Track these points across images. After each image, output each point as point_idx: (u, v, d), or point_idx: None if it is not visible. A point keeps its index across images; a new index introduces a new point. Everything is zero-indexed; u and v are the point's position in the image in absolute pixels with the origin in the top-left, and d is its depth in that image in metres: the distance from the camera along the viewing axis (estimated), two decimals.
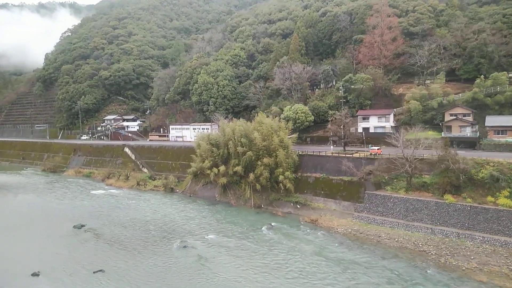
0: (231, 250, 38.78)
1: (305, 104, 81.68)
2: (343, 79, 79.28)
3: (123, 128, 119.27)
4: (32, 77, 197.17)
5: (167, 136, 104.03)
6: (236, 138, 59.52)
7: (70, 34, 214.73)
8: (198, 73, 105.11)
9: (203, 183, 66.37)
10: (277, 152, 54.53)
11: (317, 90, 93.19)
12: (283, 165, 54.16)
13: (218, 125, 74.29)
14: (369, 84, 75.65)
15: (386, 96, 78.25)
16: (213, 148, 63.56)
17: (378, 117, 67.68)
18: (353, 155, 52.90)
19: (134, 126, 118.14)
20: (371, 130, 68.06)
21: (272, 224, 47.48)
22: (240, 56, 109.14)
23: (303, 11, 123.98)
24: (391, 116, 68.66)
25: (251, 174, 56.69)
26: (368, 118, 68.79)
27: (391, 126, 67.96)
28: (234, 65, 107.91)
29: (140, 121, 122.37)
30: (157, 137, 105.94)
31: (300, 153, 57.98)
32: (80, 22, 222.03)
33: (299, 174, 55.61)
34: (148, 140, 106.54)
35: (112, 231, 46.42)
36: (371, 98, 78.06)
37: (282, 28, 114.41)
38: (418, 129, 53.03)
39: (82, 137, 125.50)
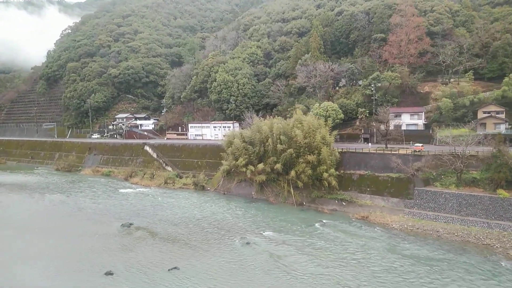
0: (298, 247, 38.66)
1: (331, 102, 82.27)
2: (370, 77, 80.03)
3: (136, 126, 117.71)
4: (31, 75, 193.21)
5: (186, 134, 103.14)
6: (275, 136, 59.38)
7: (70, 31, 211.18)
8: (216, 71, 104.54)
9: (237, 180, 66.05)
10: (321, 150, 54.70)
11: (337, 87, 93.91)
12: (327, 163, 54.31)
13: (249, 124, 73.88)
14: (398, 82, 76.57)
15: (412, 94, 79.33)
16: (248, 146, 63.30)
17: (411, 115, 68.56)
18: (399, 152, 53.46)
19: (148, 124, 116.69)
20: (403, 128, 68.83)
21: (324, 221, 47.59)
22: (257, 55, 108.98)
23: (316, 10, 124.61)
24: (423, 114, 69.64)
25: (291, 171, 56.71)
26: (400, 116, 69.59)
27: (423, 124, 68.97)
28: (251, 63, 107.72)
29: (154, 119, 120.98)
30: (175, 136, 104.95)
31: (341, 150, 58.18)
32: (80, 19, 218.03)
33: (342, 171, 55.85)
34: (165, 138, 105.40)
35: (165, 229, 45.81)
36: (397, 96, 79.09)
37: (298, 26, 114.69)
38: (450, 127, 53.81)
39: (93, 136, 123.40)
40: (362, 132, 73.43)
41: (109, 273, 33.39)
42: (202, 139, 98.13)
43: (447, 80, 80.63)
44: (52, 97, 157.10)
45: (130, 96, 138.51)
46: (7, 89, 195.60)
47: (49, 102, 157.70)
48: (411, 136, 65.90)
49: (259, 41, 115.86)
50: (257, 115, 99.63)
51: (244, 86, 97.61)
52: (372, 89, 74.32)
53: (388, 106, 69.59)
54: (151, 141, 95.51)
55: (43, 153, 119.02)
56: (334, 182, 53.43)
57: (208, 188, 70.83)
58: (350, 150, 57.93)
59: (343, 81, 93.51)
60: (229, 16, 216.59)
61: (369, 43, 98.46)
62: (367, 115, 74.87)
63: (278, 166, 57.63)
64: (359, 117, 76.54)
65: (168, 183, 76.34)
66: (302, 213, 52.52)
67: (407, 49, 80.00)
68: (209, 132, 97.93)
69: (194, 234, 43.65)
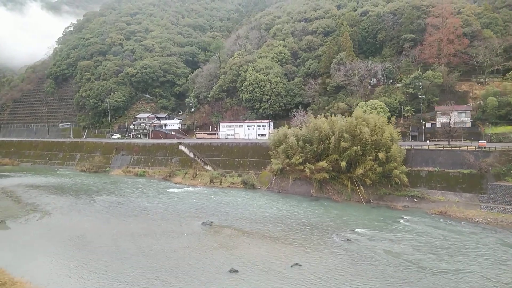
0: (407, 243, 38.88)
1: (367, 100, 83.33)
2: (411, 76, 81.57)
3: (160, 126, 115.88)
4: (29, 74, 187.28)
5: (217, 134, 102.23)
6: (338, 134, 59.68)
7: (72, 29, 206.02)
8: (245, 70, 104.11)
9: (292, 179, 66.03)
10: (389, 147, 55.42)
11: (369, 86, 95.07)
12: (397, 160, 55.08)
13: (302, 122, 73.96)
14: (440, 81, 78.29)
15: (452, 93, 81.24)
16: (305, 144, 63.40)
17: (458, 113, 70.18)
18: (468, 148, 54.77)
19: (173, 124, 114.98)
20: (451, 125, 70.30)
21: (405, 217, 48.22)
22: (284, 54, 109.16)
23: (338, 10, 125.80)
24: (470, 112, 71.47)
25: (358, 168, 57.21)
26: (447, 114, 71.03)
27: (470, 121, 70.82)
28: (279, 62, 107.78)
29: (177, 119, 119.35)
30: (205, 135, 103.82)
31: (407, 147, 59.05)
32: (83, 17, 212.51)
33: (409, 168, 56.65)
34: (195, 138, 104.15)
35: (252, 227, 45.38)
36: (437, 95, 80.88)
37: (323, 26, 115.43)
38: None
39: (113, 136, 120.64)
40: (410, 130, 74.70)
41: (233, 271, 32.88)
42: (235, 138, 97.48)
43: (482, 79, 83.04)
44: (62, 97, 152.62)
45: (147, 95, 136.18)
46: (5, 88, 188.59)
47: (59, 102, 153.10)
48: (458, 133, 67.44)
49: (284, 40, 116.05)
50: (288, 114, 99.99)
51: (277, 85, 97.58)
52: (420, 86, 75.67)
53: (451, 103, 70.96)
54: (185, 141, 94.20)
55: (62, 154, 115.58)
56: (405, 179, 54.19)
57: (259, 187, 70.55)
58: (415, 148, 58.87)
59: (374, 80, 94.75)
60: (235, 16, 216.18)
61: (397, 43, 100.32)
62: (413, 113, 76.26)
63: (342, 163, 57.90)
64: (405, 115, 77.84)
65: (214, 182, 75.64)
66: (375, 210, 52.99)
67: (447, 49, 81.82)
68: (242, 131, 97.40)
69: (287, 231, 43.40)
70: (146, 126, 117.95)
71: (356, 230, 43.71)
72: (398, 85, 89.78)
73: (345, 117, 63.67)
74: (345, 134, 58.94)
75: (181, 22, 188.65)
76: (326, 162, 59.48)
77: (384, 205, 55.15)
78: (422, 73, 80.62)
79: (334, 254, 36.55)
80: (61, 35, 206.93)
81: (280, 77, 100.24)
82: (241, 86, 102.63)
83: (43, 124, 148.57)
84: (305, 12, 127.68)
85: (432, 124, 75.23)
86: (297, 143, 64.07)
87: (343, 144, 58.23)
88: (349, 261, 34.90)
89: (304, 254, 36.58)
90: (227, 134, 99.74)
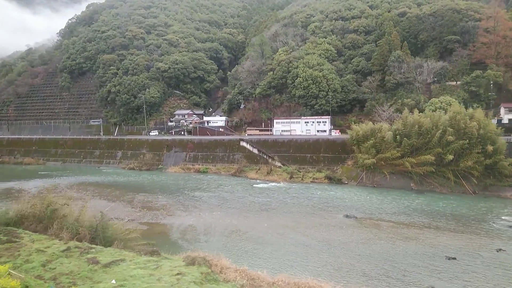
0: None
1: (429, 98, 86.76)
2: (470, 75, 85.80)
3: (202, 123, 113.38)
4: (28, 68, 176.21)
5: (270, 130, 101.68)
6: (443, 128, 61.77)
7: (75, 20, 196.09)
8: (296, 67, 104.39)
9: (387, 173, 67.45)
10: (495, 140, 58.32)
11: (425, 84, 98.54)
12: (503, 152, 58.06)
13: (382, 118, 75.47)
14: (500, 80, 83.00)
15: (509, 91, 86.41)
16: (404, 139, 65.06)
17: None
18: None
19: (216, 121, 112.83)
20: None
21: None
22: (331, 51, 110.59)
23: (371, 10, 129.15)
24: None
25: (465, 161, 59.65)
26: None
27: None
28: (326, 59, 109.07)
29: (219, 115, 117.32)
30: (257, 132, 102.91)
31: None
32: (86, 8, 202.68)
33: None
34: (246, 135, 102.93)
35: (398, 219, 45.99)
36: (495, 93, 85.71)
37: (363, 25, 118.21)
38: None
39: (151, 133, 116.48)
40: None
41: (451, 258, 33.53)
42: (290, 134, 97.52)
43: None
44: (81, 92, 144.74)
45: (178, 92, 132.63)
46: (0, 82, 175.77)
47: (77, 97, 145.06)
48: None
49: (325, 38, 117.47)
50: (342, 111, 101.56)
51: (332, 81, 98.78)
52: (491, 84, 79.80)
53: (490, 101, 75.22)
54: (246, 137, 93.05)
55: (98, 151, 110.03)
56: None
57: (346, 182, 71.35)
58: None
59: (429, 78, 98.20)
60: (244, 13, 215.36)
61: (440, 43, 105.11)
62: None
63: (449, 157, 60.09)
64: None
65: (295, 177, 75.53)
66: (487, 200, 55.47)
67: (505, 50, 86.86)
68: (299, 128, 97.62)
69: (441, 221, 44.49)
70: (185, 123, 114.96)
71: (503, 218, 45.76)
72: (451, 83, 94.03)
73: (445, 112, 65.91)
74: (449, 128, 61.19)
75: (195, 17, 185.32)
76: (432, 156, 61.38)
77: (491, 195, 57.88)
78: (483, 73, 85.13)
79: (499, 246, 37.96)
80: (64, 27, 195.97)
81: (334, 73, 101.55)
82: (293, 82, 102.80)
83: (60, 120, 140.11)
84: (339, 11, 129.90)
85: (498, 120, 79.61)
86: (395, 138, 65.61)
87: (450, 138, 60.43)
88: None
89: (489, 241, 37.87)
90: (282, 131, 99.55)
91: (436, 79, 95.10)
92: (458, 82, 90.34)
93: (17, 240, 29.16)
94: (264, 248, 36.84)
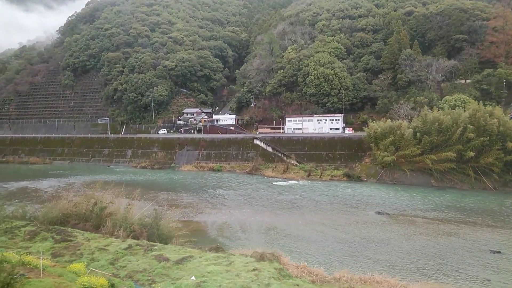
0: None
1: (441, 96, 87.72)
2: (481, 74, 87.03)
3: (211, 121, 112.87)
4: (26, 65, 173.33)
5: (282, 128, 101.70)
6: (463, 126, 62.47)
7: (75, 17, 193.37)
8: (307, 64, 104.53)
9: (408, 170, 68.00)
10: None
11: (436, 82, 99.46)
12: None
13: (399, 116, 76.02)
14: (511, 78, 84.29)
15: None
16: (424, 136, 65.67)
17: None
18: None
19: (226, 119, 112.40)
20: None
21: None
22: (340, 49, 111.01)
23: (378, 9, 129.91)
24: None
25: (486, 158, 60.49)
26: None
27: None
28: (336, 57, 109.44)
29: (228, 113, 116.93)
30: (268, 130, 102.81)
31: None
32: (86, 5, 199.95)
33: None
34: (258, 133, 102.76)
35: (430, 215, 46.57)
36: (507, 91, 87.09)
37: (371, 24, 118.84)
38: None
39: (159, 132, 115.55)
40: None
41: (495, 252, 34.02)
42: (302, 132, 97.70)
43: None
44: (85, 90, 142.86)
45: (185, 90, 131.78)
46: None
47: (81, 96, 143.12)
48: None
49: (334, 36, 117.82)
50: (353, 109, 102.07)
51: (344, 79, 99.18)
52: (504, 82, 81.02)
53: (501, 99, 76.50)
54: (260, 136, 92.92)
55: (107, 150, 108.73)
56: None
57: (365, 179, 71.74)
58: None
59: (439, 76, 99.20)
60: (245, 11, 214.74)
61: (448, 42, 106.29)
62: None
63: (470, 153, 60.89)
64: None
65: (312, 175, 75.72)
66: (509, 196, 56.52)
67: None
68: (312, 126, 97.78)
69: (475, 217, 45.19)
70: (194, 121, 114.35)
71: None
72: (461, 81, 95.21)
73: (464, 109, 66.70)
74: (469, 126, 61.95)
75: (198, 15, 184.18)
76: (453, 153, 62.09)
77: (511, 191, 58.91)
78: (494, 71, 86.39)
79: None
80: (64, 24, 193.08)
81: (345, 71, 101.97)
82: (304, 80, 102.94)
83: (64, 119, 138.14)
84: (346, 10, 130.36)
85: (510, 116, 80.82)
86: (415, 135, 66.20)
87: (470, 135, 61.19)
88: None
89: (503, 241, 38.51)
90: (294, 129, 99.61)
91: (445, 77, 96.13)
92: (468, 81, 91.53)
93: (72, 239, 28.67)
94: (309, 245, 36.91)
